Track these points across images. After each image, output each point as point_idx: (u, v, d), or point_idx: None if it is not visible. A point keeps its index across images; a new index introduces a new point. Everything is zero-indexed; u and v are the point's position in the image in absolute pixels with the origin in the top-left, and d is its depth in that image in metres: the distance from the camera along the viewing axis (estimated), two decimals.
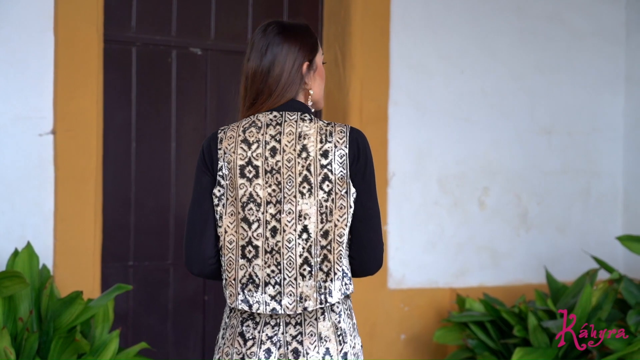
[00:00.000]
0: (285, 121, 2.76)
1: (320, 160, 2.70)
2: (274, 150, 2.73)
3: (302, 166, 2.71)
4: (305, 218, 2.70)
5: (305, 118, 2.77)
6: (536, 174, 6.00)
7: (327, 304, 2.72)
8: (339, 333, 2.75)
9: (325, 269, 2.71)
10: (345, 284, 2.75)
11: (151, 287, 5.21)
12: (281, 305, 2.72)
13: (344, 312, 2.79)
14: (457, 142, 5.76)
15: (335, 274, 2.71)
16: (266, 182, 2.72)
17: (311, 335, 2.73)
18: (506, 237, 5.90)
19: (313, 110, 2.86)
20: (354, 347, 2.79)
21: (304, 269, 2.71)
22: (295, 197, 2.71)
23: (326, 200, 2.70)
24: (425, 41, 5.66)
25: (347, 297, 2.82)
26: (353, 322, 2.83)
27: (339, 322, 2.76)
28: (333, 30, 5.53)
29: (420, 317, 5.58)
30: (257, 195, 2.72)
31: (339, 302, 2.77)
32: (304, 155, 2.71)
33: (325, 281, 2.71)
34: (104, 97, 4.92)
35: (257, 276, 2.73)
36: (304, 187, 2.71)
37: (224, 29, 5.38)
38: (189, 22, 5.28)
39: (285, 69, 2.80)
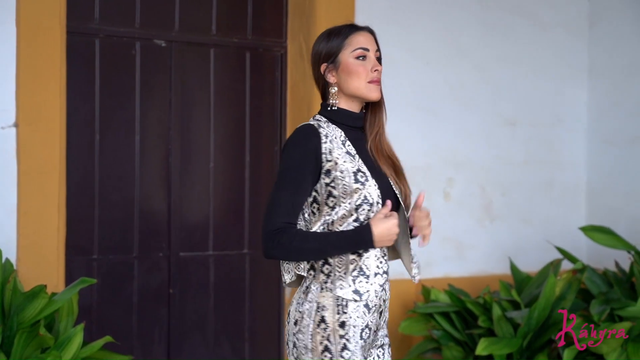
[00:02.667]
0: None
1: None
2: None
3: None
4: None
5: (310, 120, 3.13)
6: (500, 165, 6.03)
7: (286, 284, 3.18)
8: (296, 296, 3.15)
9: None
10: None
11: (116, 281, 5.18)
12: None
13: (303, 287, 3.12)
14: (421, 134, 5.77)
15: None
16: None
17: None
18: (471, 228, 5.93)
19: (334, 104, 3.14)
20: (295, 310, 3.09)
21: None
22: None
23: None
24: (390, 33, 5.66)
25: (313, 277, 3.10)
26: (307, 295, 3.09)
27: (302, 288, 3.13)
28: (297, 21, 5.52)
29: None
30: None
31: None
32: None
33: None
34: (67, 89, 4.88)
35: None
36: None
37: (188, 20, 5.35)
38: (153, 13, 5.25)
39: (313, 74, 3.20)
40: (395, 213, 3.02)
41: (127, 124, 5.20)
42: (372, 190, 3.02)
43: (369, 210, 3.02)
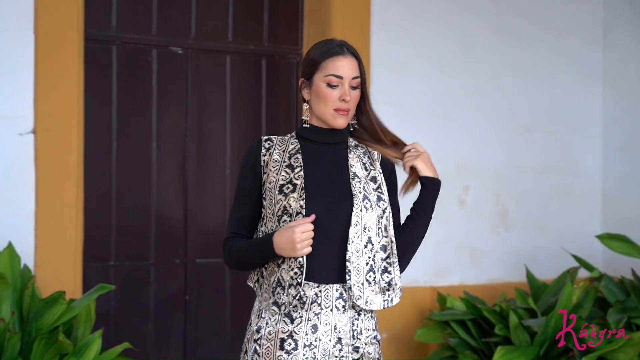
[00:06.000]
0: None
1: None
2: None
3: None
4: None
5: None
6: (515, 172, 6.03)
7: None
8: None
9: None
10: None
11: (132, 287, 5.19)
12: None
13: None
14: (436, 141, 5.76)
15: None
16: None
17: None
18: (486, 235, 5.92)
19: (305, 121, 3.14)
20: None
21: None
22: None
23: None
24: (405, 40, 5.67)
25: None
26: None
27: None
28: (313, 29, 5.53)
29: (401, 315, 5.59)
30: None
31: None
32: None
33: None
34: (85, 96, 4.89)
35: None
36: None
37: (204, 27, 5.36)
38: (169, 21, 5.26)
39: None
40: (308, 225, 2.93)
41: (144, 131, 5.21)
42: (292, 201, 2.99)
43: (289, 221, 2.99)
